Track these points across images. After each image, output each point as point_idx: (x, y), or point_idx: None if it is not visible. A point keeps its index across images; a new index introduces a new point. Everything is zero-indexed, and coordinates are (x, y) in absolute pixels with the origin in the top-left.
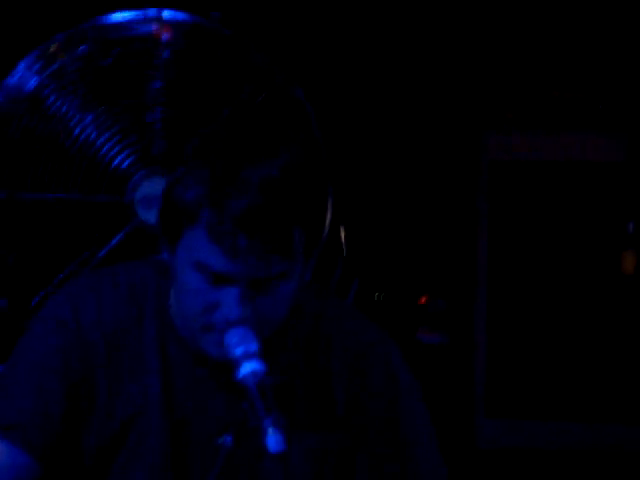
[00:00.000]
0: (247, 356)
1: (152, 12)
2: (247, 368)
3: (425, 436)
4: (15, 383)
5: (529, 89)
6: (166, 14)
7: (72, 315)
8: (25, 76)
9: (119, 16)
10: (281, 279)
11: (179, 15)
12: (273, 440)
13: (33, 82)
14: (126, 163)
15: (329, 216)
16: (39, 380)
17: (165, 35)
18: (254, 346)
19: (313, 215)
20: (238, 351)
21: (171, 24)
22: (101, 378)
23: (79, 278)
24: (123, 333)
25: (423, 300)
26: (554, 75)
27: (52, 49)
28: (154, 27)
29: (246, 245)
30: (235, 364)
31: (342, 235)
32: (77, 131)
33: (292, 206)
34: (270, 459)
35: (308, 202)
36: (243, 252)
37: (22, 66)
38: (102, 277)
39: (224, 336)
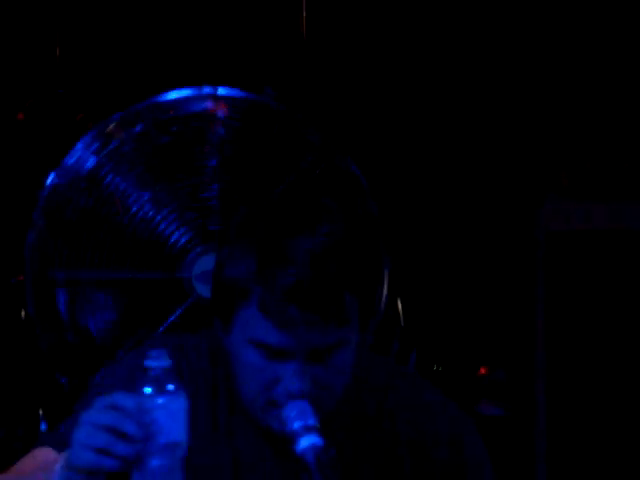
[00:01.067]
0: (305, 429)
1: (207, 89)
2: (305, 442)
3: None
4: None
5: (585, 156)
6: (221, 91)
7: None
8: (83, 156)
9: (174, 94)
10: (338, 347)
11: (234, 92)
12: None
13: (91, 162)
14: (183, 240)
15: (385, 285)
16: None
17: (220, 112)
18: (312, 420)
19: (365, 282)
20: (296, 425)
21: (226, 100)
22: None
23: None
24: (197, 401)
25: (482, 371)
26: (612, 143)
27: (109, 129)
28: (209, 104)
29: (298, 317)
30: (293, 438)
31: (399, 306)
32: (135, 209)
33: (341, 275)
34: None
35: (358, 270)
36: (296, 325)
37: (80, 146)
38: (181, 342)
39: (282, 410)
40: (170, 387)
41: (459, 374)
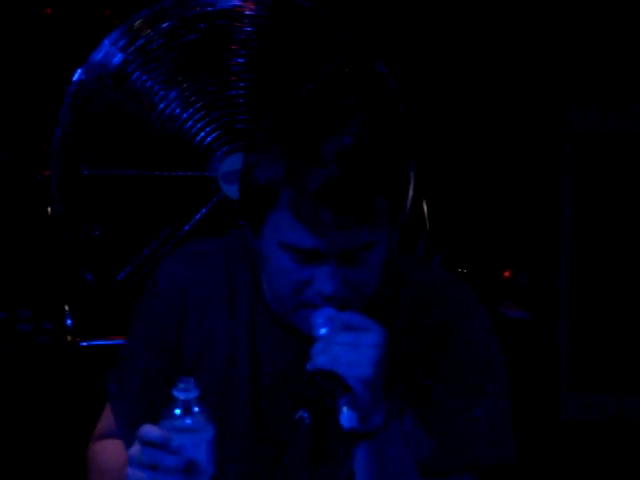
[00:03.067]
0: None
1: None
2: None
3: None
4: (127, 358)
5: (613, 59)
6: None
7: (169, 287)
8: (110, 52)
9: None
10: (369, 249)
11: None
12: (346, 417)
13: (118, 58)
14: (210, 138)
15: (412, 185)
16: (144, 360)
17: (248, 9)
18: None
19: (394, 182)
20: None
21: None
22: (191, 344)
23: (175, 250)
24: (217, 302)
25: (507, 274)
26: (636, 45)
27: (137, 25)
28: (237, 1)
29: (330, 220)
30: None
31: (424, 209)
32: (161, 107)
33: (371, 174)
34: (344, 435)
35: (388, 169)
36: (329, 227)
37: (107, 42)
38: (197, 247)
39: (310, 315)
40: (196, 410)
41: (483, 277)
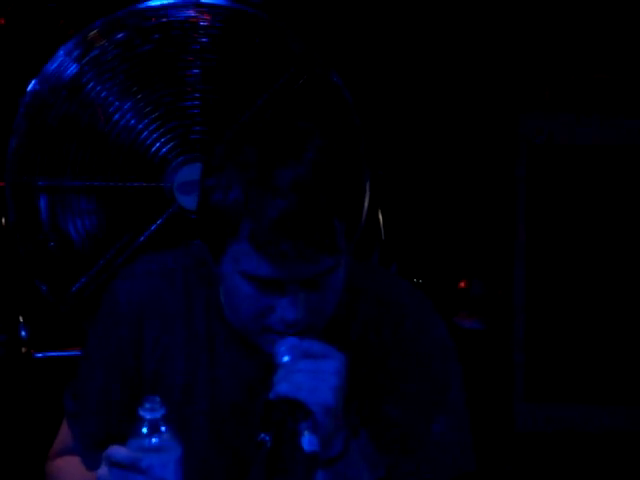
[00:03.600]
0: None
1: None
2: None
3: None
4: (85, 373)
5: (566, 70)
6: None
7: (127, 303)
8: (64, 63)
9: (157, 1)
10: (330, 273)
11: (217, 0)
12: (307, 441)
13: (72, 69)
14: (165, 149)
15: (367, 195)
16: (103, 374)
17: (203, 20)
18: None
19: (351, 203)
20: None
21: (209, 9)
22: (149, 362)
23: (133, 265)
24: (175, 319)
25: (462, 284)
26: (592, 57)
27: (91, 36)
28: (192, 12)
29: (290, 250)
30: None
31: (380, 219)
32: (116, 117)
33: (328, 202)
34: (305, 458)
35: (344, 193)
36: (289, 258)
37: (61, 53)
38: (154, 262)
39: (274, 343)
40: (163, 429)
41: (438, 287)
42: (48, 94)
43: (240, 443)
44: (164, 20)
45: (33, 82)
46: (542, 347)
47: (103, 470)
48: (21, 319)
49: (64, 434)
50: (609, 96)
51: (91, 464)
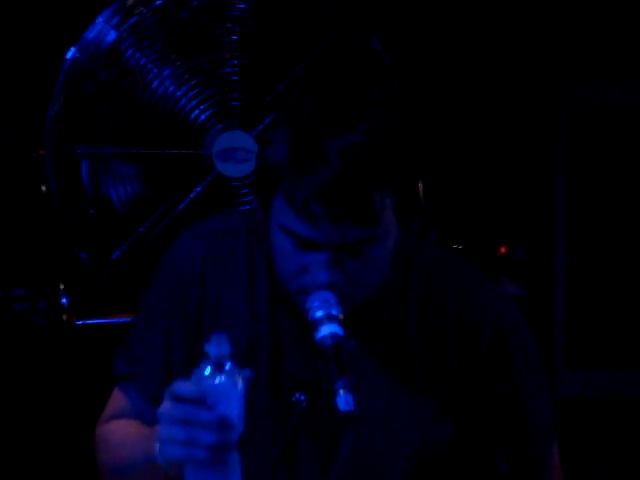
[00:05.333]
0: (327, 319)
1: None
2: (325, 330)
3: (537, 387)
4: (143, 334)
5: (608, 34)
6: None
7: (189, 261)
8: (103, 30)
9: None
10: (370, 243)
11: None
12: (343, 400)
13: (111, 36)
14: (204, 116)
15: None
16: (163, 332)
17: None
18: (335, 310)
19: (401, 180)
20: (319, 314)
21: None
22: (211, 319)
23: (195, 225)
24: (237, 281)
25: (503, 250)
26: (635, 19)
27: (130, 3)
28: None
29: (323, 215)
30: (314, 326)
31: (420, 187)
32: (155, 85)
33: (372, 175)
34: (340, 419)
35: (393, 168)
36: (321, 221)
37: (100, 20)
38: (218, 222)
39: (307, 299)
40: (228, 367)
41: (480, 253)
42: (87, 62)
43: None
44: None
45: (72, 50)
46: (583, 313)
47: (166, 405)
48: (62, 287)
49: (115, 400)
50: None
51: (151, 419)
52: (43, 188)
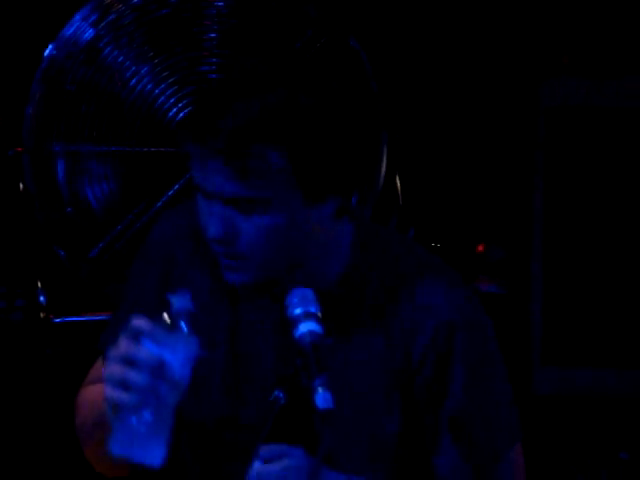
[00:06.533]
0: (305, 316)
1: None
2: (304, 328)
3: (484, 391)
4: (119, 308)
5: (585, 33)
6: None
7: (158, 240)
8: (81, 27)
9: None
10: (260, 206)
11: None
12: (322, 398)
13: (89, 33)
14: (182, 114)
15: (383, 161)
16: (133, 305)
17: None
18: (313, 307)
19: (293, 145)
20: (297, 311)
21: None
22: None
23: (181, 204)
24: (202, 257)
25: (480, 248)
26: (611, 18)
27: (108, 0)
28: None
29: (210, 162)
30: (293, 323)
31: (397, 184)
32: (133, 82)
33: (250, 125)
34: (319, 416)
35: (277, 126)
36: (210, 170)
37: (78, 17)
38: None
39: (286, 297)
40: (184, 327)
41: (457, 251)
42: (65, 59)
43: (254, 396)
44: None
45: (50, 47)
46: (560, 311)
47: (118, 344)
48: (39, 284)
49: (93, 369)
50: (627, 59)
51: None
52: (20, 186)
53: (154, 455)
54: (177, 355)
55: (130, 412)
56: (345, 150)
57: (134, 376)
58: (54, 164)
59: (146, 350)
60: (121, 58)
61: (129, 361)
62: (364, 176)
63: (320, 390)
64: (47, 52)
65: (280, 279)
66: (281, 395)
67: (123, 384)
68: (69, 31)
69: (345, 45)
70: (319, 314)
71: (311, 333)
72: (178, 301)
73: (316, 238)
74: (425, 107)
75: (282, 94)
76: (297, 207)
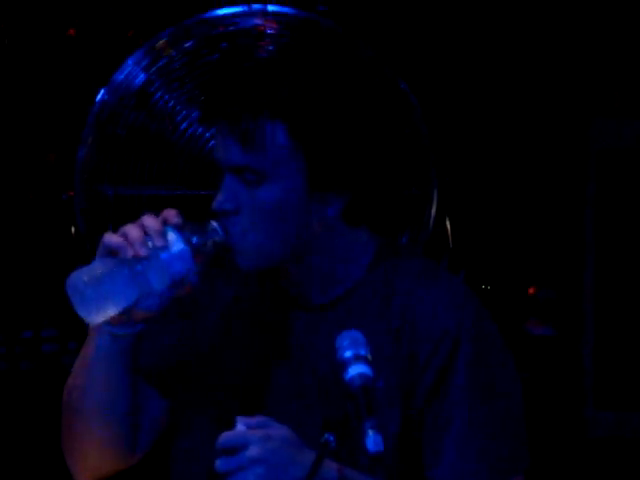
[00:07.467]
0: (356, 359)
1: (257, 6)
2: (354, 370)
3: (480, 408)
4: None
5: (634, 75)
6: (271, 7)
7: None
8: (133, 72)
9: (224, 10)
10: (257, 176)
11: (284, 9)
12: (372, 441)
13: (141, 78)
14: None
15: (434, 204)
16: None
17: (270, 28)
18: (363, 350)
19: (306, 116)
20: (347, 354)
21: (276, 18)
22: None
23: None
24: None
25: (531, 290)
26: None
27: (159, 45)
28: (259, 21)
29: (224, 132)
30: (343, 365)
31: (448, 227)
32: (184, 126)
33: (261, 98)
34: (368, 458)
35: (297, 107)
36: (223, 140)
37: (130, 62)
38: None
39: (336, 339)
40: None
41: (508, 293)
42: (117, 103)
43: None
44: (231, 29)
45: (102, 91)
46: (612, 353)
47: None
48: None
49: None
50: None
51: None
52: (72, 229)
53: (117, 299)
54: (179, 257)
55: (117, 262)
56: (356, 148)
57: (136, 232)
58: (104, 207)
59: (155, 220)
60: (172, 102)
61: (139, 223)
62: (414, 217)
63: (371, 433)
64: (99, 96)
65: (283, 266)
66: (332, 439)
67: (124, 235)
68: (121, 76)
69: (395, 87)
70: (369, 356)
71: (361, 376)
72: (215, 232)
73: (323, 238)
74: (476, 149)
75: (299, 78)
76: (299, 189)
